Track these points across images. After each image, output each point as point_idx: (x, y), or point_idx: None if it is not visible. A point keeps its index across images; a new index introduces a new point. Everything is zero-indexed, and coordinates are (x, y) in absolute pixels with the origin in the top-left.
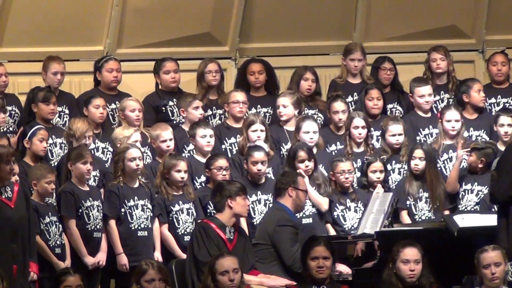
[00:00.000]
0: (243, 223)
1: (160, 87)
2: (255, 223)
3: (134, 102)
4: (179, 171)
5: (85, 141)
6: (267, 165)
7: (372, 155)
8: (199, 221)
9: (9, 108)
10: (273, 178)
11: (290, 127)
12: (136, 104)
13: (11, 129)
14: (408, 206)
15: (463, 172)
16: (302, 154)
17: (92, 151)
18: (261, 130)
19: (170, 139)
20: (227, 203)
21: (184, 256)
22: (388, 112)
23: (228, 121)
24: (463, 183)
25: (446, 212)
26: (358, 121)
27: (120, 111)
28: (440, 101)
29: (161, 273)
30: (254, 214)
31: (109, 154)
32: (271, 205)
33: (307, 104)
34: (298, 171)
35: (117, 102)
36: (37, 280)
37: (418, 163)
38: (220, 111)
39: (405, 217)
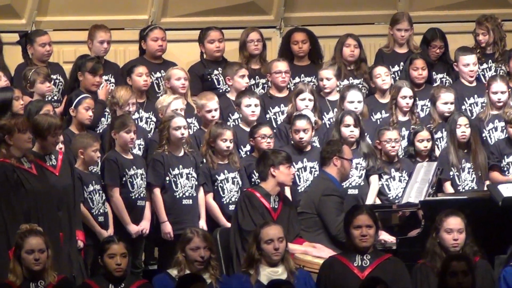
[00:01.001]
0: (287, 191)
1: (204, 56)
2: (299, 191)
3: (180, 71)
4: (224, 140)
5: (128, 108)
6: (310, 133)
7: (418, 124)
8: (244, 190)
9: (53, 77)
10: (319, 146)
11: (331, 96)
12: (181, 73)
13: (55, 98)
14: (451, 177)
15: (505, 144)
16: (348, 119)
17: (136, 121)
18: (309, 100)
19: (216, 109)
20: (270, 172)
21: (228, 225)
22: (438, 82)
23: (271, 90)
24: (505, 157)
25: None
26: (406, 90)
27: (166, 80)
28: (487, 69)
29: (206, 241)
30: (299, 182)
31: (152, 124)
32: (316, 172)
33: (352, 73)
34: None
35: (162, 71)
36: (82, 248)
37: (465, 130)
38: (263, 80)
39: (448, 187)
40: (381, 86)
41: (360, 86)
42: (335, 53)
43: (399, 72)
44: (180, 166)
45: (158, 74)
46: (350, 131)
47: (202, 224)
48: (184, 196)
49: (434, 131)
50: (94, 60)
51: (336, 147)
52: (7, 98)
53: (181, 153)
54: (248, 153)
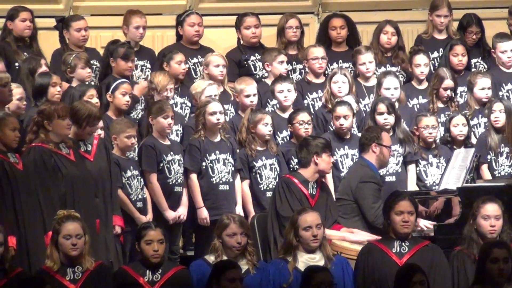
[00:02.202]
0: (329, 177)
1: (241, 42)
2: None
3: (218, 57)
4: (266, 124)
5: (166, 94)
6: (351, 119)
7: (455, 110)
8: (282, 176)
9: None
10: (356, 133)
11: (368, 82)
12: (220, 60)
13: (92, 83)
14: (488, 160)
15: None
16: (381, 107)
17: (171, 106)
18: (343, 82)
19: (254, 94)
20: (313, 159)
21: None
22: (472, 67)
23: (308, 76)
24: None
25: None
26: (448, 82)
27: (204, 65)
28: None
29: (243, 227)
30: (342, 168)
31: (187, 110)
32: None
33: (389, 61)
34: None
35: (198, 57)
36: (121, 234)
37: (498, 116)
38: (300, 66)
39: (485, 171)
40: (418, 76)
41: (398, 73)
42: (372, 39)
43: (438, 58)
44: (217, 152)
45: (194, 60)
46: (384, 118)
47: (239, 210)
48: (220, 181)
49: (470, 117)
50: (126, 45)
51: (375, 134)
52: (45, 84)
53: (218, 139)
54: (285, 139)
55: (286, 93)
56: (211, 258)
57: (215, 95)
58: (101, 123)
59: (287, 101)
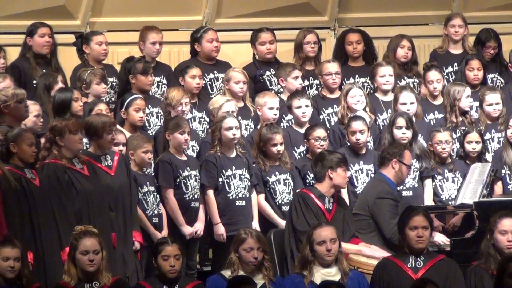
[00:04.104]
0: (344, 192)
1: (256, 57)
2: (357, 192)
3: (240, 74)
4: (274, 144)
5: (182, 108)
6: (366, 134)
7: (470, 126)
8: (297, 191)
9: (109, 79)
10: (373, 149)
11: (385, 97)
12: (241, 76)
13: (113, 99)
14: (502, 175)
15: None
16: (400, 121)
17: (189, 120)
18: (360, 95)
19: (277, 108)
20: (328, 173)
21: (283, 224)
22: (489, 82)
23: (323, 91)
24: None
25: None
26: (465, 101)
27: (225, 81)
28: None
29: (260, 242)
30: (357, 183)
31: (206, 124)
32: (373, 175)
33: (405, 73)
34: None
35: (215, 72)
36: (139, 250)
37: None
38: (317, 81)
39: (499, 186)
40: (432, 92)
41: (412, 85)
42: (387, 52)
43: (453, 73)
44: (233, 167)
45: (211, 75)
46: (402, 133)
47: (255, 225)
48: (237, 197)
49: (483, 132)
50: (142, 60)
51: (398, 150)
52: (67, 99)
53: (234, 154)
54: (302, 154)
55: (304, 108)
56: (227, 273)
57: (232, 111)
58: (123, 139)
59: (305, 116)
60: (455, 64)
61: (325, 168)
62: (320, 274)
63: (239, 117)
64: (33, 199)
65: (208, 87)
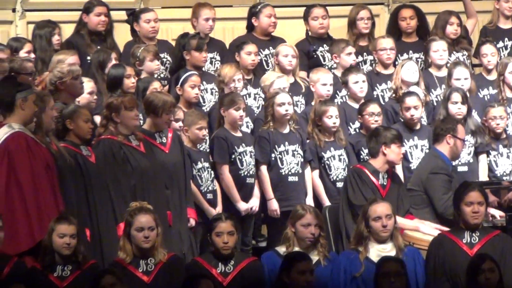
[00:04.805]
0: (399, 168)
1: (309, 33)
2: (412, 168)
3: (288, 47)
4: (330, 116)
5: (234, 84)
6: (420, 110)
7: None
8: (352, 166)
9: (161, 55)
10: (426, 124)
11: (439, 72)
12: (289, 50)
13: (162, 75)
14: None
15: None
16: (456, 96)
17: (244, 97)
18: (415, 70)
19: (330, 84)
20: (382, 149)
21: (326, 203)
22: None
23: (377, 67)
24: None
25: None
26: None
27: (275, 55)
28: None
29: (318, 218)
30: (412, 159)
31: (261, 100)
32: (427, 150)
33: (454, 48)
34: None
35: (270, 48)
36: (194, 226)
37: None
38: (370, 57)
39: None
40: (486, 66)
41: (462, 59)
42: (435, 30)
43: (503, 48)
44: (286, 143)
45: (266, 51)
46: (457, 108)
47: (309, 201)
48: (290, 173)
49: None
50: (197, 36)
51: (451, 125)
52: (118, 75)
53: (287, 130)
54: (357, 130)
55: (361, 84)
56: (282, 249)
57: (283, 88)
58: (181, 115)
59: (362, 92)
60: (506, 39)
61: (379, 144)
62: (375, 250)
63: (290, 93)
64: (89, 176)
65: (264, 63)
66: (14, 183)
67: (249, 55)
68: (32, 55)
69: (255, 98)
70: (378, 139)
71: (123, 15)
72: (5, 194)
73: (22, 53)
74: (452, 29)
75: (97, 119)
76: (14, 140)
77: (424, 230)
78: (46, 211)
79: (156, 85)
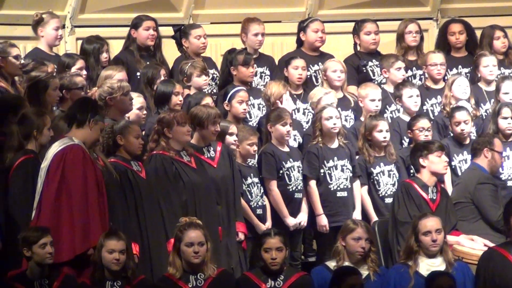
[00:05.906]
0: (448, 183)
1: (358, 48)
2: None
3: (336, 63)
4: (380, 131)
5: (281, 104)
6: (470, 124)
7: None
8: (402, 181)
9: (210, 71)
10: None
11: (488, 87)
12: (338, 65)
13: (214, 91)
14: None
15: None
16: (506, 111)
17: (293, 112)
18: (466, 86)
19: (379, 99)
20: (419, 162)
21: (376, 219)
22: None
23: (427, 82)
24: None
25: None
26: None
27: (323, 71)
28: None
29: (368, 233)
30: (461, 173)
31: (310, 115)
32: None
33: (503, 63)
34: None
35: (319, 64)
36: (243, 240)
37: None
38: (419, 72)
39: None
40: None
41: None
42: (482, 46)
43: None
44: (335, 158)
45: (315, 67)
46: (507, 123)
47: (357, 215)
48: (338, 188)
49: None
50: (243, 52)
51: (487, 138)
52: (167, 92)
53: (335, 145)
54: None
55: (415, 98)
56: (332, 264)
57: (332, 103)
58: (235, 129)
59: (417, 105)
60: None
61: (416, 158)
62: (425, 265)
63: (339, 108)
64: (139, 192)
65: (314, 78)
66: (65, 192)
67: (296, 69)
68: (84, 72)
69: (304, 113)
70: (415, 154)
71: (171, 31)
72: (53, 201)
73: (74, 69)
74: (500, 43)
75: None
76: (73, 150)
77: (468, 245)
78: (91, 226)
79: (208, 100)
